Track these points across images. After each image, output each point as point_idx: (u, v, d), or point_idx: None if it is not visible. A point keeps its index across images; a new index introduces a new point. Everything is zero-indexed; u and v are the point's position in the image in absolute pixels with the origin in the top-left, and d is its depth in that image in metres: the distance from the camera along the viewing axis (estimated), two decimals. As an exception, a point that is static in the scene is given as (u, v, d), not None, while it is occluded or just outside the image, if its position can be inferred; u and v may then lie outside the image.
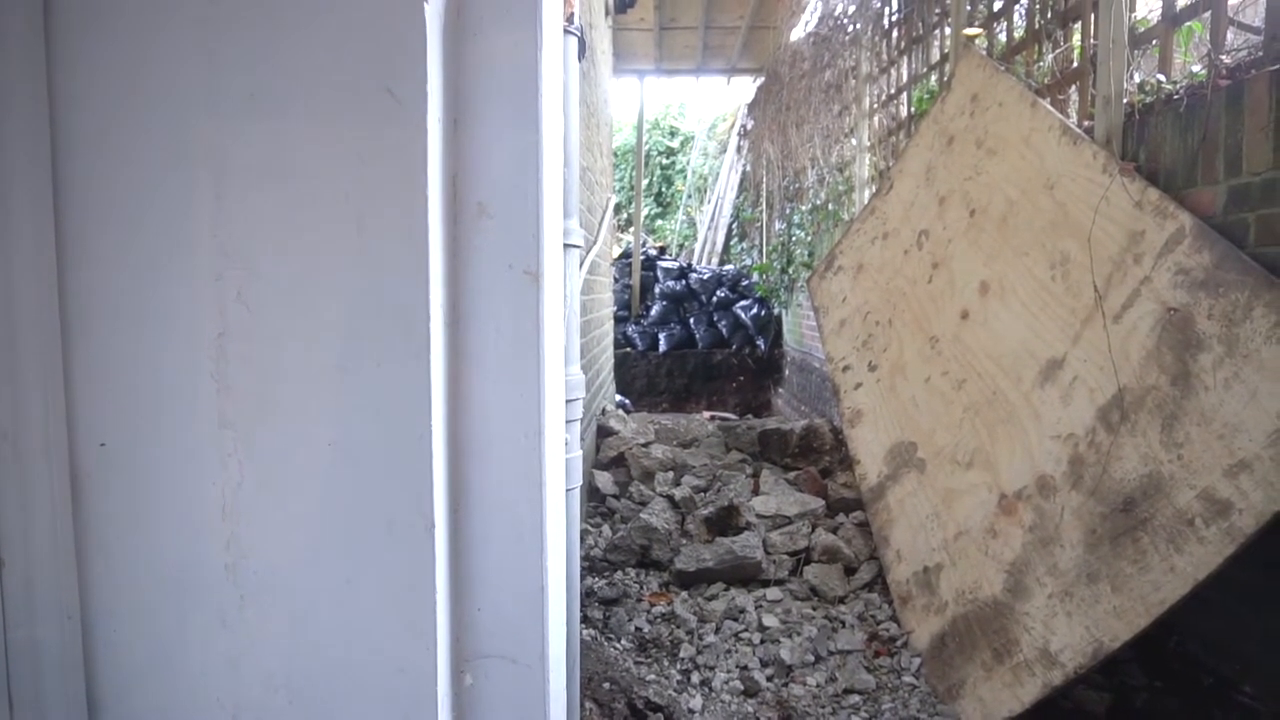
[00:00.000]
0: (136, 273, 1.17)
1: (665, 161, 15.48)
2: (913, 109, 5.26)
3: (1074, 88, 3.40)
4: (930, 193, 3.92)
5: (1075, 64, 3.38)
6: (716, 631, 2.93)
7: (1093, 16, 3.15)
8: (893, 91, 5.71)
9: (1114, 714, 2.43)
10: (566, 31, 1.70)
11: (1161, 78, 2.79)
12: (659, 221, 15.11)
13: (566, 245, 1.73)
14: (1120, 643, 2.17)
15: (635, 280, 10.19)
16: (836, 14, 6.66)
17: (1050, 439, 2.65)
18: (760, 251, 10.36)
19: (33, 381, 1.16)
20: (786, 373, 9.12)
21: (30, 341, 1.16)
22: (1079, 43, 3.36)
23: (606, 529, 3.63)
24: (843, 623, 3.00)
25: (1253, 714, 2.16)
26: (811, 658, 2.79)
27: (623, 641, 2.84)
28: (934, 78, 4.96)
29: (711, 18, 8.79)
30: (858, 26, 6.29)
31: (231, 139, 1.14)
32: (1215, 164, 2.41)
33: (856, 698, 2.62)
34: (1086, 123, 3.16)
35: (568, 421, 1.74)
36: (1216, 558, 2.01)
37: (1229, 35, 2.58)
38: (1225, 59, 2.47)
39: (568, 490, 1.74)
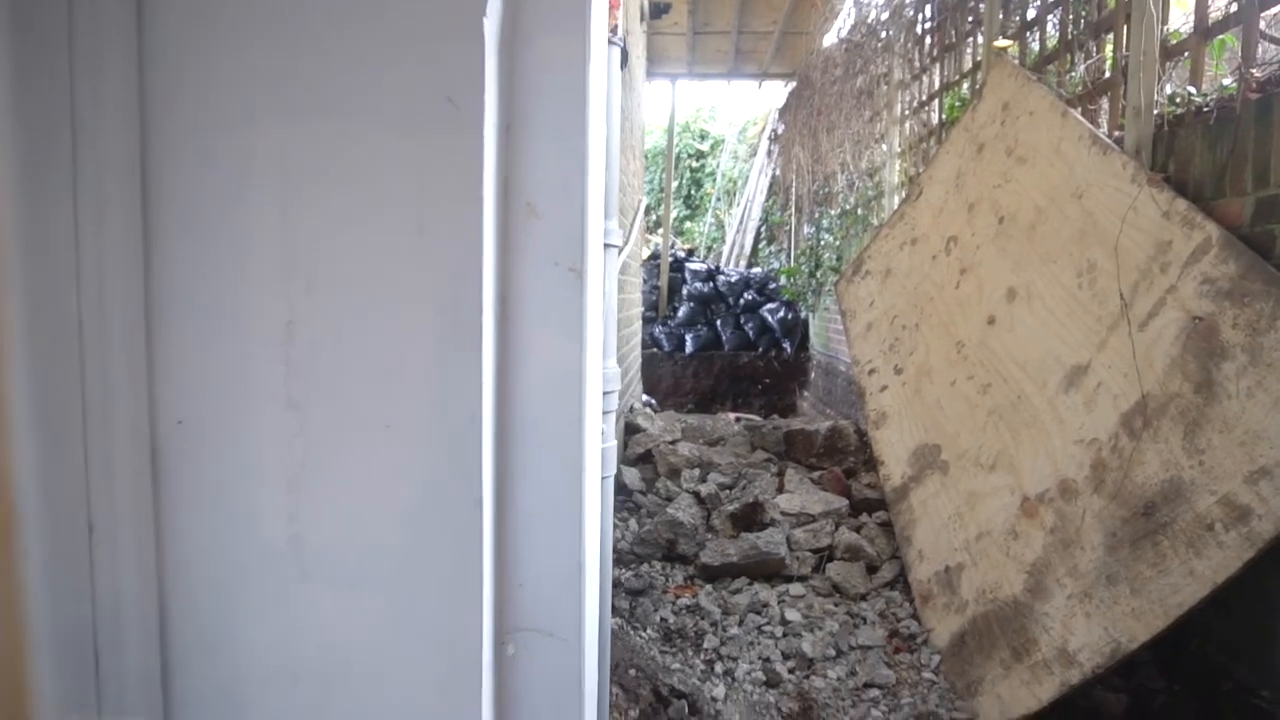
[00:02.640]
0: (215, 264, 1.26)
1: (695, 164, 15.55)
2: (944, 116, 5.29)
3: (1105, 98, 3.43)
4: (960, 199, 3.96)
5: (1107, 75, 3.41)
6: (740, 624, 3.00)
7: (1125, 28, 3.19)
8: (924, 98, 5.74)
9: (1131, 715, 2.47)
10: (610, 43, 1.78)
11: (1192, 90, 2.82)
12: (688, 224, 15.17)
13: (606, 245, 1.80)
14: (1138, 644, 2.22)
15: (663, 281, 10.27)
16: (869, 21, 6.69)
17: (1073, 443, 2.69)
18: (788, 255, 10.40)
19: (120, 363, 1.26)
20: (812, 376, 9.16)
21: (118, 327, 1.26)
22: (1111, 54, 3.40)
23: (633, 523, 3.71)
24: (864, 619, 3.05)
25: (1266, 715, 2.19)
26: (833, 652, 2.85)
27: (648, 631, 2.92)
28: (965, 85, 4.99)
29: (744, 22, 8.85)
30: (890, 33, 6.32)
31: (301, 143, 1.23)
32: (1244, 176, 2.44)
33: (876, 691, 2.68)
34: (1116, 133, 3.20)
35: (604, 413, 1.82)
36: (1235, 562, 2.05)
37: (1260, 49, 2.61)
38: (1256, 72, 2.51)
39: (603, 478, 1.82)
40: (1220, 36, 2.85)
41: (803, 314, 9.54)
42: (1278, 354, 2.09)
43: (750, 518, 3.54)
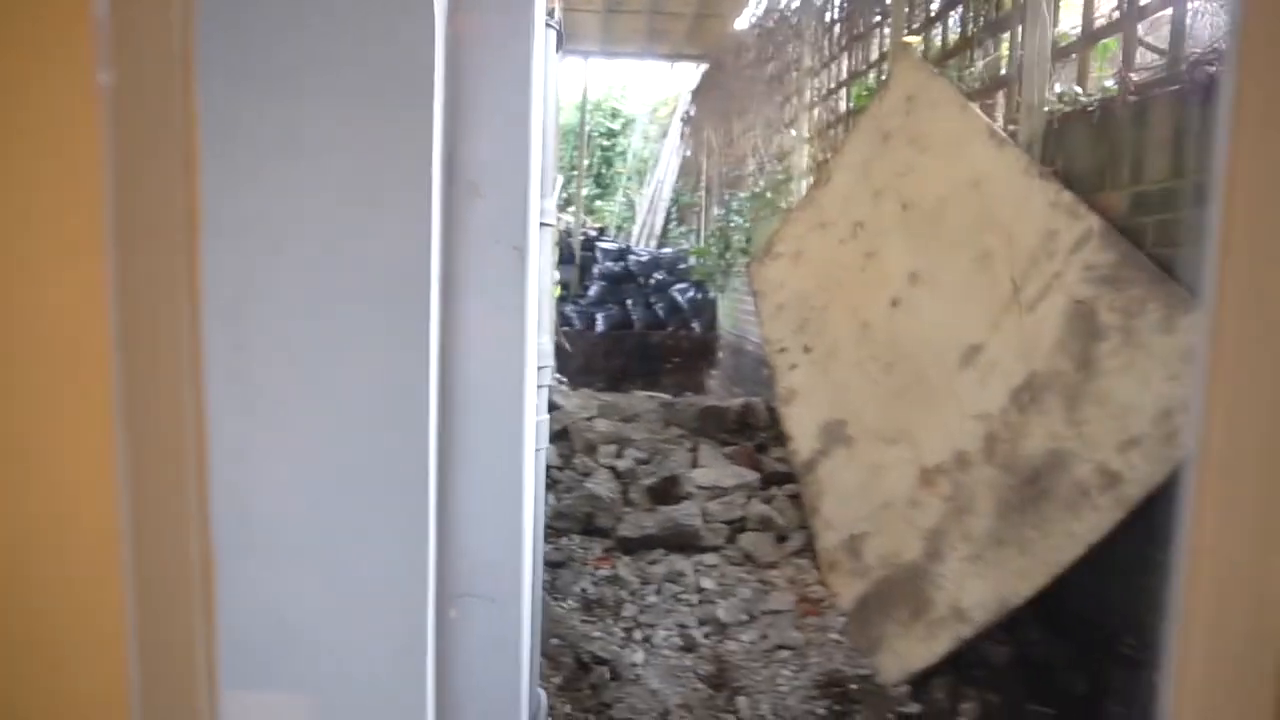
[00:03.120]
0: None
1: (606, 143, 15.54)
2: (852, 105, 5.49)
3: (1001, 94, 3.65)
4: (866, 186, 4.14)
5: (1004, 72, 3.63)
6: (657, 593, 3.11)
7: (1020, 29, 3.40)
8: (833, 86, 5.94)
9: (1013, 664, 2.69)
10: (548, 25, 1.83)
11: (1079, 90, 3.04)
12: (598, 202, 15.19)
13: (543, 224, 1.86)
14: (1023, 599, 2.43)
15: (575, 260, 10.28)
16: (782, 8, 6.85)
17: (969, 418, 2.89)
18: (698, 236, 10.56)
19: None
20: (721, 355, 9.37)
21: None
22: (1007, 52, 3.61)
23: (551, 498, 3.78)
24: (774, 586, 3.21)
25: (1132, 662, 2.43)
26: (745, 617, 2.99)
27: (569, 602, 3.00)
28: (872, 76, 5.19)
29: (658, 2, 8.91)
30: (801, 21, 6.49)
31: (257, 117, 1.25)
32: (1122, 172, 2.66)
33: (786, 653, 2.84)
34: (1011, 127, 3.41)
35: (540, 386, 1.89)
36: (1108, 523, 2.26)
37: (1138, 55, 2.83)
38: (1134, 76, 2.73)
39: (538, 450, 1.89)
40: (1104, 41, 3.08)
41: (712, 294, 9.73)
42: (1147, 335, 2.31)
43: (666, 491, 3.66)
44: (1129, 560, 2.47)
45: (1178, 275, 2.32)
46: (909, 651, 2.69)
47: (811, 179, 6.07)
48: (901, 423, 3.23)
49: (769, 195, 7.31)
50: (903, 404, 3.27)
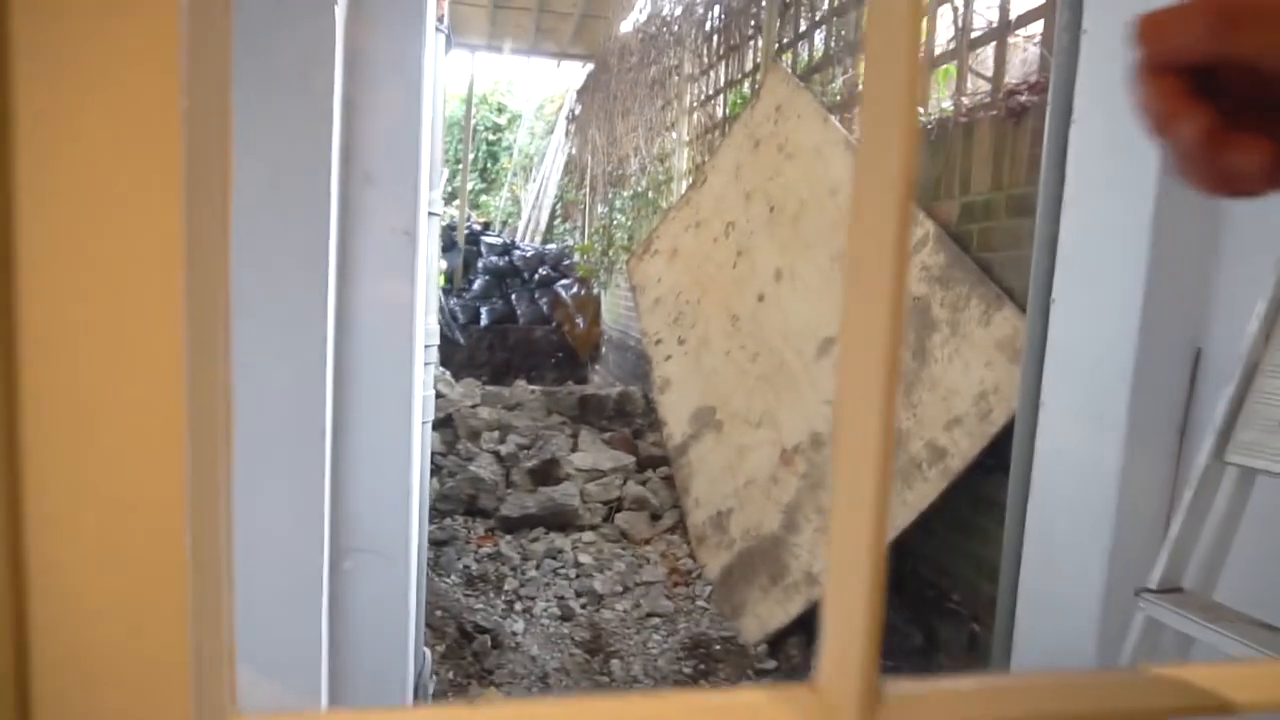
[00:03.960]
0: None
1: (491, 137, 15.53)
2: (727, 111, 5.79)
3: (858, 109, 3.98)
4: (738, 189, 4.42)
5: (860, 89, 3.97)
6: (538, 568, 3.28)
7: (874, 50, 3.73)
8: (711, 93, 6.23)
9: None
10: (437, 29, 1.97)
11: (921, 110, 3.38)
12: (483, 197, 15.16)
13: (431, 213, 2.00)
14: (864, 562, 2.72)
15: (459, 249, 10.28)
16: (664, 14, 7.11)
17: (823, 403, 3.19)
18: (582, 233, 10.74)
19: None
20: (604, 350, 9.58)
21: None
22: (864, 70, 3.95)
23: (435, 482, 3.89)
24: (648, 560, 3.43)
25: (958, 615, 2.77)
26: (620, 588, 3.20)
27: (452, 577, 3.13)
28: (746, 85, 5.50)
29: (546, 1, 9.03)
30: (682, 29, 6.77)
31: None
32: (953, 184, 3.00)
33: (657, 619, 3.06)
34: (865, 140, 3.73)
35: (426, 364, 2.02)
36: (935, 492, 2.58)
37: (969, 81, 3.19)
38: (965, 100, 3.08)
39: (424, 422, 2.03)
40: (944, 67, 3.43)
41: (596, 290, 9.93)
42: (969, 328, 2.64)
43: (547, 474, 3.83)
44: (953, 524, 2.80)
45: (995, 275, 2.66)
46: (768, 614, 2.95)
47: (689, 180, 6.35)
48: (765, 408, 3.51)
49: (650, 195, 7.56)
50: (767, 391, 3.55)
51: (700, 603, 3.18)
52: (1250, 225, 1.84)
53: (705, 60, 6.39)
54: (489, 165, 15.47)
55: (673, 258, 4.88)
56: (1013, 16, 2.95)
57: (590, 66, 9.97)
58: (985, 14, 3.15)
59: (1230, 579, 1.63)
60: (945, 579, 2.91)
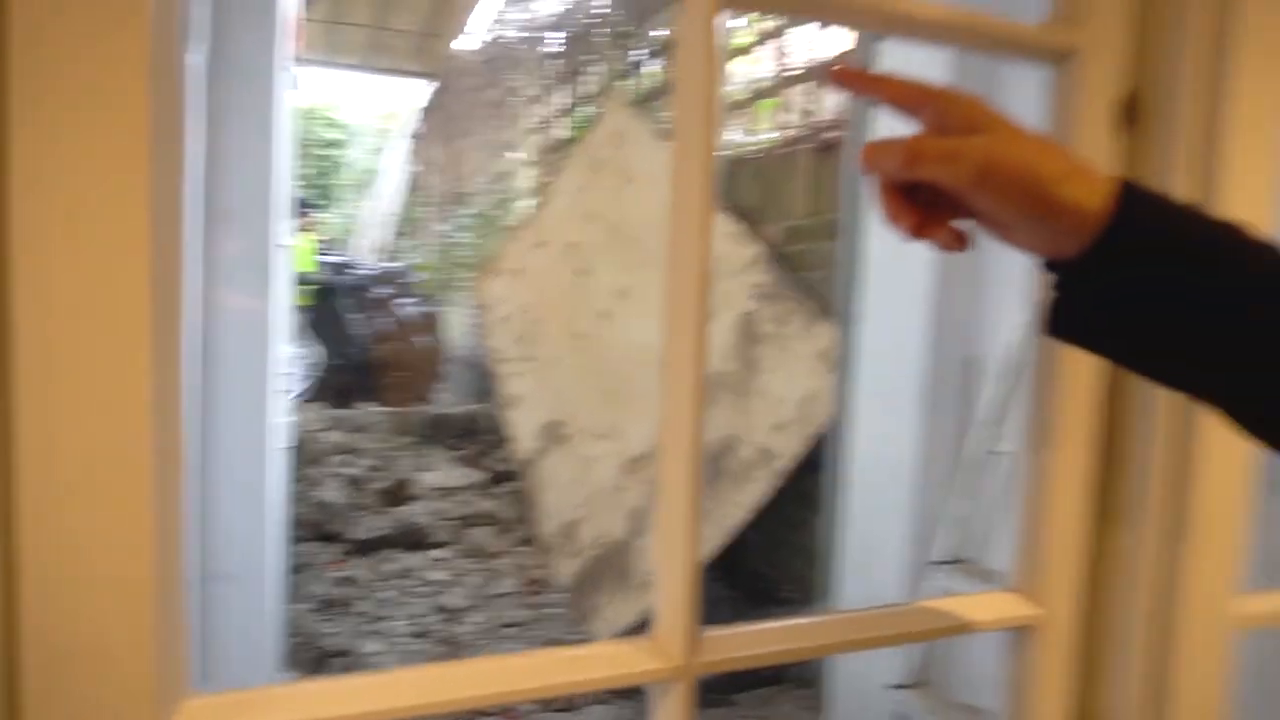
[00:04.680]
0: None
1: (322, 153, 15.07)
2: (570, 133, 5.97)
3: (690, 137, 4.24)
4: (581, 210, 4.59)
5: (692, 118, 4.23)
6: (392, 589, 3.30)
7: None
8: (553, 115, 6.39)
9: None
10: (286, 69, 2.02)
11: (749, 139, 3.67)
12: (322, 215, 14.67)
13: (280, 245, 2.04)
14: (705, 559, 2.92)
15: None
16: (505, 37, 7.22)
17: (664, 413, 3.38)
18: (424, 251, 10.63)
19: None
20: (450, 368, 9.51)
21: None
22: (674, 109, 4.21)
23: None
24: (501, 573, 3.52)
25: (790, 602, 3.02)
26: (475, 602, 3.27)
27: (308, 604, 3.11)
28: (589, 108, 5.70)
29: (384, 18, 8.94)
30: (523, 52, 6.90)
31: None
32: (778, 209, 3.28)
33: (513, 630, 3.15)
34: (698, 166, 3.99)
35: (279, 391, 2.06)
36: (763, 491, 2.82)
37: (792, 115, 3.49)
38: (787, 132, 3.37)
39: (278, 449, 2.05)
40: (769, 100, 3.74)
41: (440, 309, 9.85)
42: (793, 341, 2.91)
43: (398, 494, 3.84)
44: (781, 520, 3.06)
45: (815, 293, 2.95)
46: (616, 615, 3.11)
47: (534, 201, 6.48)
48: (610, 420, 3.68)
49: (494, 213, 7.63)
50: (612, 404, 3.72)
51: (554, 610, 3.30)
52: (1008, 256, 2.16)
53: (547, 83, 6.55)
54: (322, 182, 14.99)
55: (519, 276, 4.98)
56: (826, 57, 3.26)
57: (434, 84, 9.93)
58: (805, 53, 3.46)
59: (1004, 548, 1.93)
60: (776, 570, 3.16)
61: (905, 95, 0.48)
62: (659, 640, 0.63)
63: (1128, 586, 0.66)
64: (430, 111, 10.09)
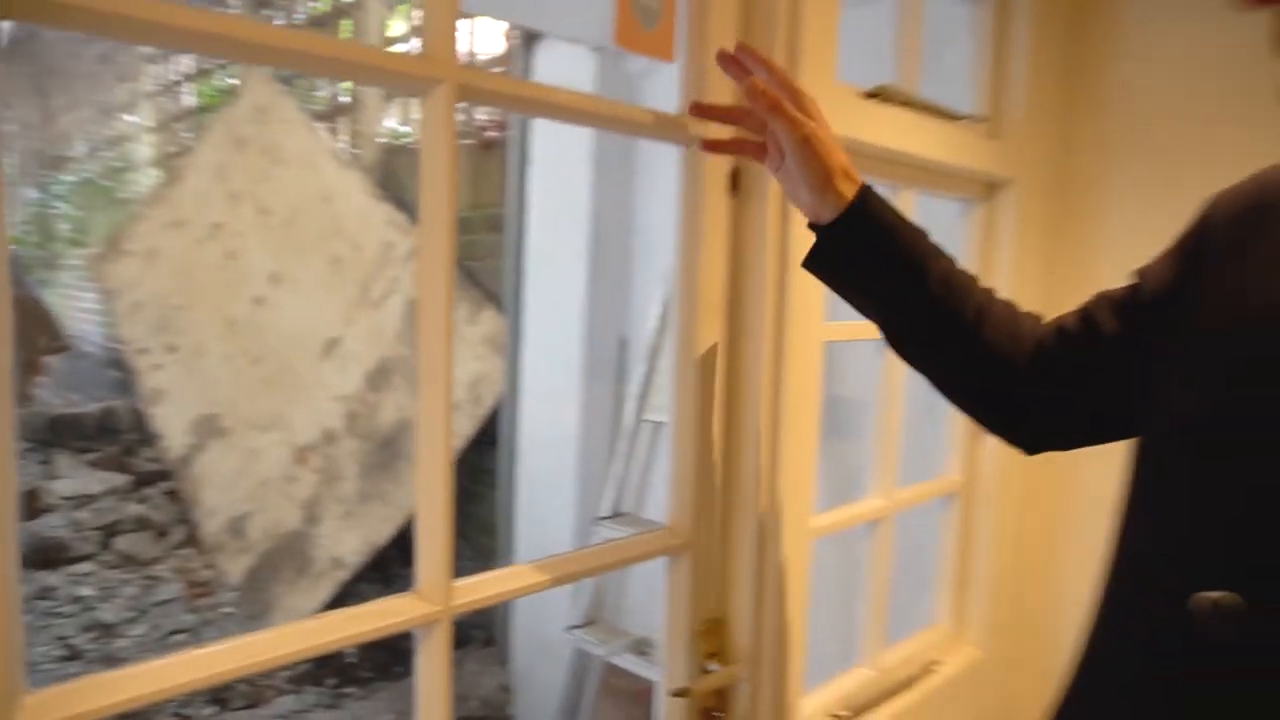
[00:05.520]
0: None
1: None
2: (201, 101, 5.52)
3: (344, 120, 4.21)
4: (223, 189, 4.34)
5: (347, 100, 4.20)
6: (29, 613, 2.99)
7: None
8: (177, 79, 5.84)
9: (383, 595, 3.32)
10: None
11: (406, 128, 3.76)
12: None
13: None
14: (387, 539, 3.05)
15: None
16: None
17: (332, 400, 3.41)
18: (16, 224, 9.08)
19: None
20: (54, 360, 8.29)
21: None
22: (349, 84, 4.18)
23: None
24: (161, 579, 3.32)
25: (466, 573, 3.25)
26: (134, 614, 3.08)
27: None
28: (226, 78, 5.32)
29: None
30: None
31: None
32: (438, 199, 3.43)
33: (180, 637, 3.03)
34: (356, 151, 4.00)
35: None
36: (443, 469, 3.01)
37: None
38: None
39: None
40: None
41: (34, 290, 8.51)
42: (461, 326, 3.11)
43: (28, 507, 3.42)
44: (459, 495, 3.28)
45: (479, 281, 3.17)
46: (296, 605, 3.12)
47: (159, 173, 5.90)
48: (274, 410, 3.61)
49: (105, 183, 6.78)
50: (274, 393, 3.65)
51: (226, 610, 3.21)
52: (650, 244, 2.56)
53: None
54: None
55: (152, 259, 4.58)
56: (483, 57, 3.46)
57: (11, 28, 8.42)
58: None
59: (656, 500, 2.32)
60: (457, 542, 3.37)
61: (783, 80, 0.74)
62: (422, 592, 0.79)
63: (744, 515, 0.97)
64: (10, 58, 8.57)
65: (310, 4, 4.53)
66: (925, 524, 1.35)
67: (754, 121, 0.77)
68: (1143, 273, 0.66)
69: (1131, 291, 0.66)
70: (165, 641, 2.99)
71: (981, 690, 1.36)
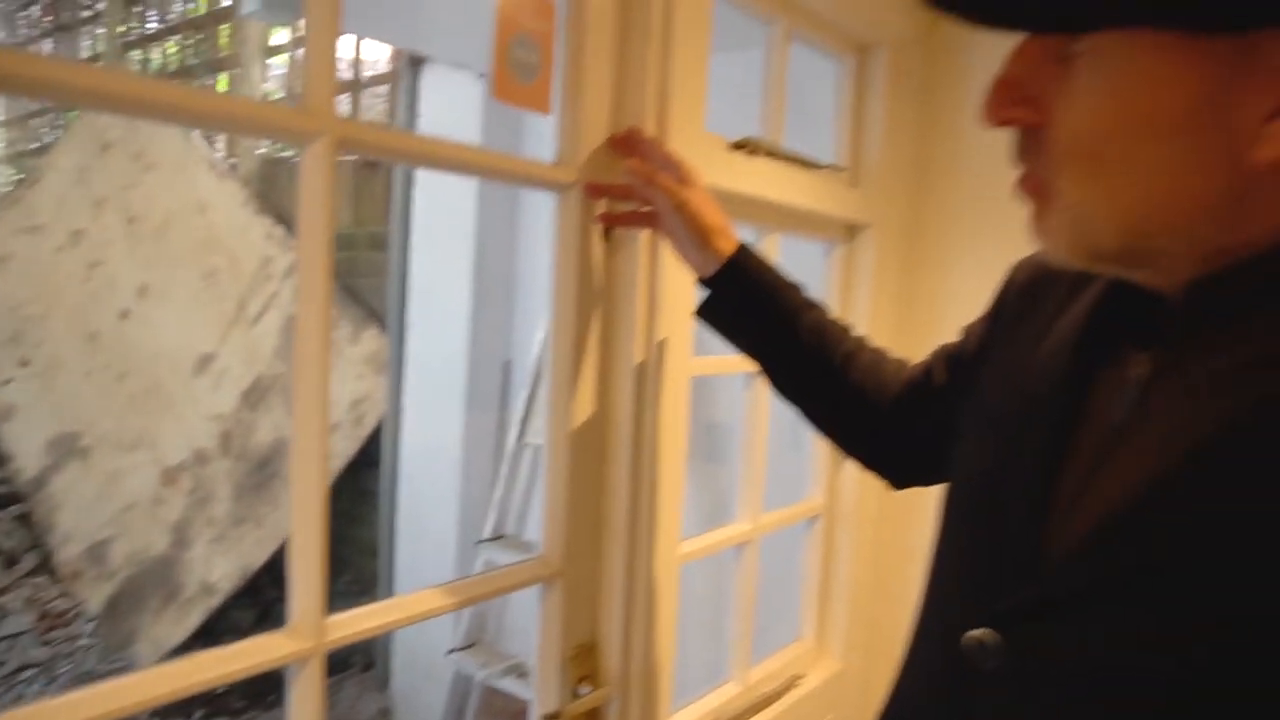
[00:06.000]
0: None
1: None
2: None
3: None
4: (86, 194, 4.11)
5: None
6: None
7: (236, 74, 3.87)
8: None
9: (259, 621, 3.21)
10: None
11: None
12: None
13: None
14: (261, 563, 2.96)
15: None
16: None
17: (205, 419, 3.29)
18: None
19: None
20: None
21: None
22: (227, 90, 4.05)
23: None
24: (8, 610, 3.11)
25: (350, 594, 3.18)
26: (-24, 648, 2.87)
27: None
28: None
29: None
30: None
31: None
32: (321, 214, 3.37)
33: (31, 671, 2.85)
34: (234, 160, 3.86)
35: None
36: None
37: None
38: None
39: None
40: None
41: None
42: (342, 345, 3.05)
43: None
44: (339, 517, 3.21)
45: (360, 300, 3.12)
46: (163, 634, 2.98)
47: (10, 172, 5.53)
48: (140, 429, 3.44)
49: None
50: (140, 411, 3.48)
51: (84, 641, 3.04)
52: (534, 269, 2.59)
53: (24, 33, 5.61)
54: None
55: (3, 265, 4.30)
56: (366, 74, 3.41)
57: None
58: (344, 70, 3.57)
59: (537, 522, 2.35)
60: (337, 565, 3.29)
61: (665, 157, 0.84)
62: (295, 628, 0.80)
63: (614, 542, 1.01)
64: None
65: (187, 4, 4.37)
66: (792, 544, 1.43)
67: (641, 194, 0.85)
68: (967, 329, 0.74)
69: (959, 346, 0.75)
70: (16, 678, 2.80)
71: (842, 701, 1.44)
